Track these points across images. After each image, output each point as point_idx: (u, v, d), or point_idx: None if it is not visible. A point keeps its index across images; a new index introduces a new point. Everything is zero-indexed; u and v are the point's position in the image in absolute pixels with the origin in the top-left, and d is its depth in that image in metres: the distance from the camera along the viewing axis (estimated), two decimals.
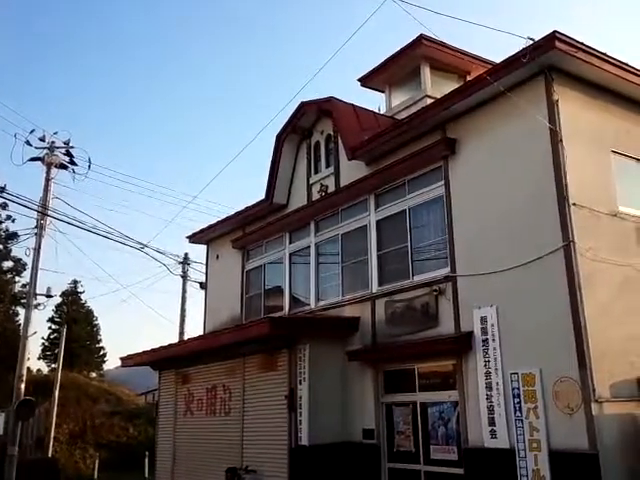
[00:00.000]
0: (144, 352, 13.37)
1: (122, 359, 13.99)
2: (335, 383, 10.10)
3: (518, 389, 7.81)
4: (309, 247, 12.01)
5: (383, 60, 12.70)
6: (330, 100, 11.37)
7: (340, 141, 11.33)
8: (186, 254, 21.67)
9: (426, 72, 12.14)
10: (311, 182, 12.18)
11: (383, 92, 13.33)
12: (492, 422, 8.05)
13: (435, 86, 11.97)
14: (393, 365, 9.73)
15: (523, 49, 7.92)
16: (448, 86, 10.53)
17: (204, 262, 15.86)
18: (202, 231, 15.13)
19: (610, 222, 8.05)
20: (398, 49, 12.35)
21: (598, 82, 8.44)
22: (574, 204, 7.68)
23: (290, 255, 12.58)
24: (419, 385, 9.33)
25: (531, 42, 7.84)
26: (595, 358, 7.17)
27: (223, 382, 11.76)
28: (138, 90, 79.65)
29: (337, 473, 9.63)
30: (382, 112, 12.62)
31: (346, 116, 11.09)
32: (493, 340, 8.20)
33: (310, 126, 12.28)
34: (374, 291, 10.24)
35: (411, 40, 12.06)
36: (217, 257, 15.06)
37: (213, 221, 14.83)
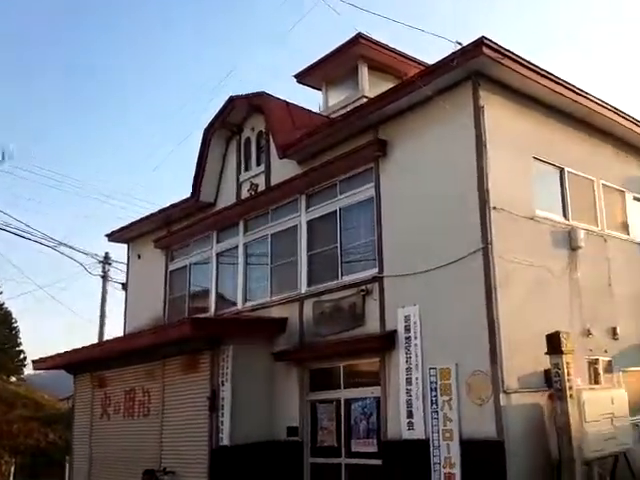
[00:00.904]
0: (58, 355, 13.83)
1: (34, 362, 14.35)
2: (260, 383, 11.11)
3: (435, 383, 9.09)
4: (237, 247, 12.93)
5: (320, 57, 13.62)
6: (262, 95, 12.26)
7: (271, 138, 12.24)
8: (107, 253, 21.97)
9: (364, 72, 13.21)
10: (241, 180, 13.10)
11: (320, 90, 14.39)
12: (410, 415, 9.30)
13: (373, 87, 13.04)
14: (319, 364, 10.87)
15: (452, 54, 8.91)
16: (386, 87, 11.36)
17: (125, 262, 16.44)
18: (122, 229, 15.73)
19: (527, 225, 9.39)
20: (335, 47, 13.29)
21: (523, 90, 9.67)
22: (494, 208, 8.86)
23: (217, 255, 13.47)
24: (344, 382, 10.52)
25: (459, 47, 8.86)
26: (506, 353, 8.45)
27: (142, 384, 12.49)
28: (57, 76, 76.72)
29: (260, 472, 10.60)
30: (320, 111, 13.59)
31: (278, 113, 12.04)
32: (415, 338, 9.43)
33: (240, 122, 13.17)
34: (303, 292, 11.34)
35: (348, 39, 13.05)
36: (138, 257, 15.74)
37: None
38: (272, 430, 11.06)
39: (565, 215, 10.22)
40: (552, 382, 8.32)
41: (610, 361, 10.17)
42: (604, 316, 10.25)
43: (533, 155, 9.89)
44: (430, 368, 9.16)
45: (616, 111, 10.87)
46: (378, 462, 9.67)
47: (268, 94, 12.38)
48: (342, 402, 10.49)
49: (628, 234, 11.48)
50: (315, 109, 13.64)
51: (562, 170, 10.35)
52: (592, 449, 8.37)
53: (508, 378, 8.48)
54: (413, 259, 9.61)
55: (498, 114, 9.35)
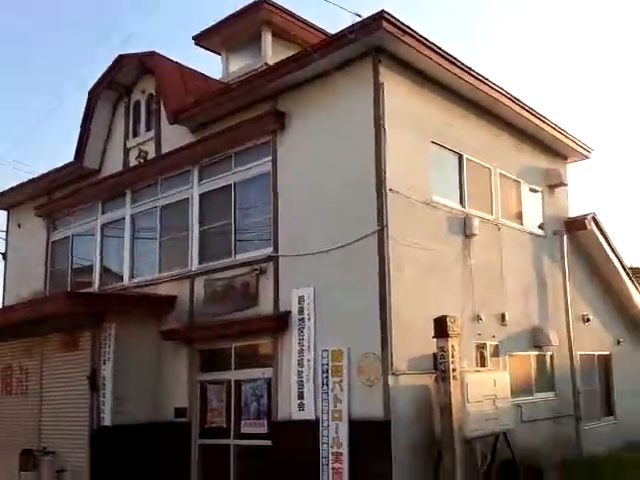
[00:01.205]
0: None
1: None
2: (146, 363, 10.91)
3: (327, 365, 9.26)
4: (124, 219, 12.49)
5: (221, 19, 13.22)
6: (153, 55, 11.82)
7: (162, 102, 11.81)
8: None
9: (267, 39, 12.96)
10: (129, 146, 12.63)
11: (220, 55, 13.97)
12: (301, 396, 9.45)
13: (277, 55, 12.63)
14: (210, 344, 10.79)
15: (350, 26, 8.84)
16: None
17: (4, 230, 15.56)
18: (0, 195, 14.74)
19: (423, 210, 9.64)
20: (237, 10, 12.90)
21: (426, 71, 9.79)
22: (391, 190, 8.99)
23: (102, 227, 12.97)
24: (235, 363, 10.50)
25: (359, 19, 8.77)
26: (397, 336, 8.71)
27: (20, 362, 12.05)
28: None
29: (145, 453, 10.51)
30: (220, 78, 13.18)
31: (170, 75, 11.68)
32: (309, 319, 9.54)
33: (130, 83, 12.66)
34: (194, 269, 11.15)
35: (252, 1, 12.71)
36: (19, 226, 14.95)
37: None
38: (159, 411, 10.95)
39: (462, 202, 10.62)
40: (437, 364, 8.69)
41: (497, 345, 10.80)
42: (494, 302, 10.82)
43: (432, 139, 10.11)
44: (322, 350, 9.32)
45: (517, 102, 11.40)
46: (267, 443, 9.77)
47: (160, 54, 11.95)
48: (232, 383, 10.49)
49: (522, 224, 12.14)
50: (217, 77, 13.26)
51: (461, 157, 10.72)
52: (473, 428, 8.86)
53: (398, 360, 8.77)
54: (309, 239, 9.67)
55: (398, 94, 9.43)
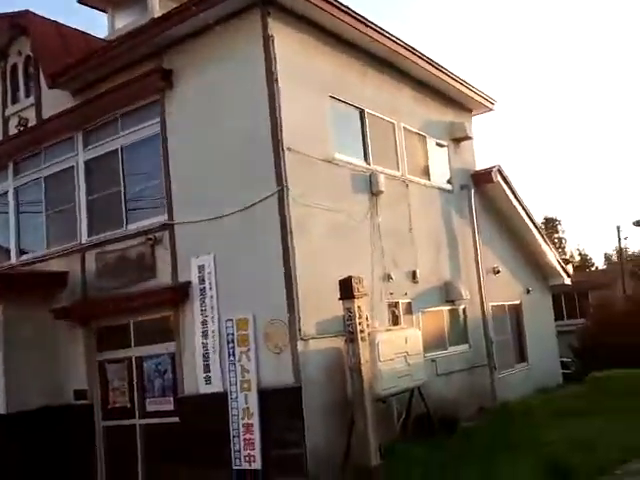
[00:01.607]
0: None
1: None
2: (39, 345, 9.98)
3: (233, 334, 8.67)
4: (7, 193, 11.31)
5: None
6: (26, 14, 10.66)
7: (40, 65, 10.70)
8: None
9: None
10: (7, 114, 11.44)
11: (106, 12, 12.77)
12: (207, 369, 8.85)
13: (166, 10, 11.77)
14: (107, 321, 9.95)
15: None
16: None
17: None
18: None
19: (325, 168, 9.11)
20: None
21: (319, 23, 9.23)
22: (289, 149, 8.43)
23: None
24: (135, 340, 9.74)
25: None
26: (303, 299, 8.23)
27: None
28: None
29: (46, 438, 9.69)
30: (105, 37, 12.07)
31: (46, 35, 10.61)
32: (210, 289, 8.90)
33: (5, 46, 11.37)
34: (83, 242, 10.23)
35: None
36: None
37: None
38: (58, 394, 10.08)
39: (366, 159, 10.11)
40: (345, 326, 8.26)
41: (410, 303, 10.51)
42: (405, 260, 10.47)
43: (330, 94, 9.51)
44: (227, 320, 8.71)
45: (416, 53, 10.93)
46: (175, 420, 9.12)
47: (34, 13, 10.77)
48: (134, 361, 9.74)
49: (429, 179, 11.80)
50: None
51: (362, 112, 10.17)
52: (386, 386, 8.64)
53: (306, 325, 8.30)
54: (206, 204, 8.97)
55: (291, 47, 8.84)
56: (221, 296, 8.78)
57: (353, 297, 8.13)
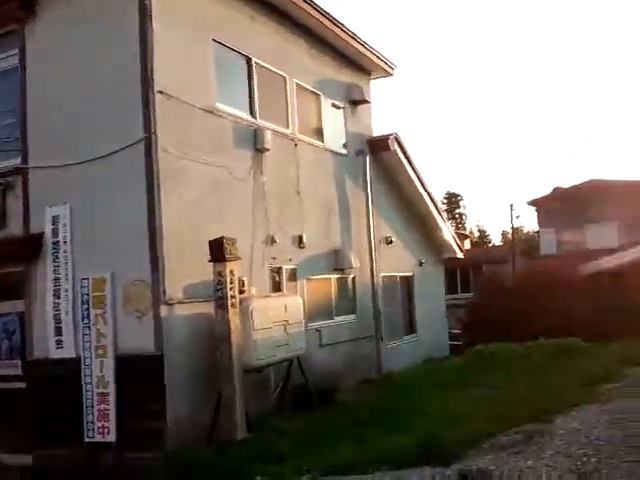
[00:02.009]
0: None
1: None
2: None
3: (88, 295, 7.71)
4: None
5: None
6: None
7: None
8: None
9: None
10: None
11: None
12: (59, 332, 7.92)
13: None
14: None
15: None
16: None
17: None
18: None
19: (205, 118, 8.23)
20: None
21: None
22: (161, 92, 7.50)
23: None
24: None
25: None
26: (170, 260, 7.40)
27: None
28: None
29: None
30: None
31: None
32: (65, 242, 7.89)
33: None
34: None
35: None
36: None
37: None
38: None
39: (252, 112, 9.23)
40: (215, 291, 7.50)
41: (295, 269, 9.81)
42: (291, 224, 9.75)
43: (214, 37, 8.56)
44: (82, 278, 7.73)
45: (309, 3, 10.03)
46: (22, 385, 8.10)
47: None
48: None
49: (322, 141, 11.03)
50: None
51: (249, 60, 9.26)
52: (261, 356, 8.00)
53: (173, 288, 7.46)
54: (65, 148, 7.91)
55: None
56: (77, 252, 7.80)
57: (225, 260, 7.39)
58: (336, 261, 10.80)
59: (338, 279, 11.00)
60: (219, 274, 7.40)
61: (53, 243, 7.89)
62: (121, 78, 7.60)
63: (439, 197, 63.88)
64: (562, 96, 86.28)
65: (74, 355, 7.69)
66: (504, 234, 57.09)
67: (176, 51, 7.86)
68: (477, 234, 57.74)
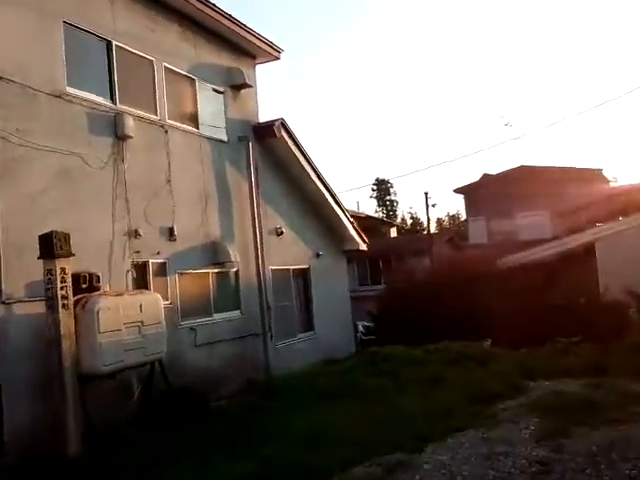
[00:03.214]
0: None
1: None
2: None
3: None
4: None
5: None
6: None
7: None
8: None
9: None
10: None
11: None
12: None
13: None
14: None
15: None
16: None
17: None
18: None
19: (53, 104, 8.19)
20: None
21: None
22: (0, 78, 7.46)
23: None
24: None
25: None
26: (9, 256, 7.32)
27: None
28: None
29: None
30: None
31: None
32: None
33: None
34: None
35: None
36: None
37: None
38: None
39: (112, 98, 9.20)
40: (45, 290, 7.39)
41: (164, 263, 9.79)
42: (159, 215, 9.74)
43: (65, 20, 8.51)
44: None
45: None
46: None
47: None
48: None
49: (197, 127, 11.00)
50: None
51: (109, 44, 9.23)
52: (109, 361, 7.79)
53: (11, 286, 7.37)
54: None
55: None
56: None
57: (54, 257, 7.24)
58: (214, 254, 10.78)
59: (217, 274, 10.99)
60: (49, 272, 7.29)
61: None
62: None
63: (368, 183, 64.96)
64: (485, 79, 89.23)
65: None
66: (439, 221, 58.52)
67: (16, 34, 7.81)
68: (410, 221, 58.56)
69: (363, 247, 15.51)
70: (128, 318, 8.15)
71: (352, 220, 15.04)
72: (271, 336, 12.01)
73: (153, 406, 8.67)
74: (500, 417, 7.48)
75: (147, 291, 9.10)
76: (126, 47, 9.42)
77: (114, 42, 9.21)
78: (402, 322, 14.65)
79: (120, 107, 9.20)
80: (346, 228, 14.98)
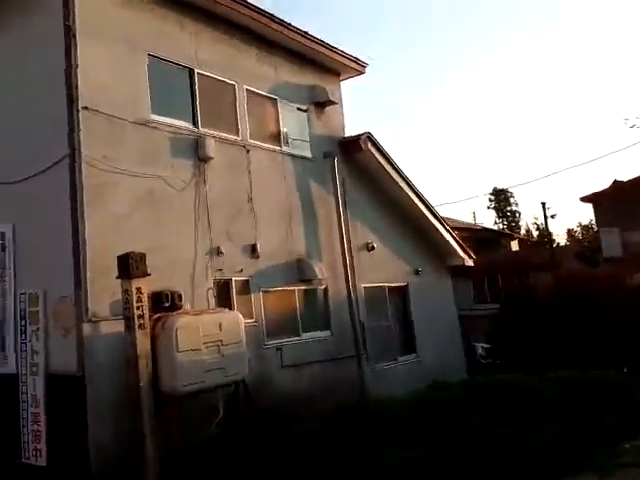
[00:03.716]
0: None
1: None
2: None
3: (25, 310, 8.46)
4: None
5: None
6: None
7: None
8: None
9: None
10: None
11: None
12: (3, 346, 8.65)
13: None
14: None
15: None
16: None
17: None
18: None
19: (137, 130, 8.84)
20: None
21: None
22: (86, 108, 8.18)
23: None
24: None
25: None
26: (95, 276, 7.91)
27: None
28: None
29: None
30: None
31: None
32: (9, 257, 8.73)
33: None
34: None
35: None
36: None
37: None
38: None
39: (194, 122, 9.78)
40: (123, 310, 7.82)
41: (247, 281, 10.12)
42: (242, 233, 10.14)
43: (149, 51, 9.24)
44: (20, 293, 8.53)
45: (258, 10, 10.57)
46: None
47: None
48: None
49: (280, 145, 11.34)
50: None
51: (191, 71, 9.87)
52: (188, 381, 7.92)
53: (97, 305, 7.97)
54: (7, 166, 8.76)
55: (97, 3, 8.60)
56: (19, 267, 8.62)
57: (130, 277, 7.64)
58: (300, 271, 10.92)
59: (305, 291, 11.11)
60: (126, 292, 7.68)
61: (0, 260, 8.73)
62: (49, 97, 8.39)
63: (485, 194, 61.11)
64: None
65: (14, 371, 8.33)
66: (569, 232, 53.82)
67: (104, 66, 8.58)
68: (536, 233, 54.64)
69: (469, 262, 14.97)
70: (207, 337, 8.27)
71: (454, 233, 14.61)
72: (366, 358, 11.83)
73: (236, 429, 8.72)
74: (623, 460, 6.83)
75: (227, 309, 9.28)
76: (207, 73, 10.06)
77: (196, 70, 9.88)
78: (521, 345, 13.69)
79: (202, 130, 9.78)
80: (448, 242, 14.54)
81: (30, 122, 8.54)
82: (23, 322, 8.41)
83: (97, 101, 8.31)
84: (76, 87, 8.13)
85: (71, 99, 8.11)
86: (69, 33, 8.17)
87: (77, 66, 8.15)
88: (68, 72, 8.15)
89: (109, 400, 7.79)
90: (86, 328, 7.79)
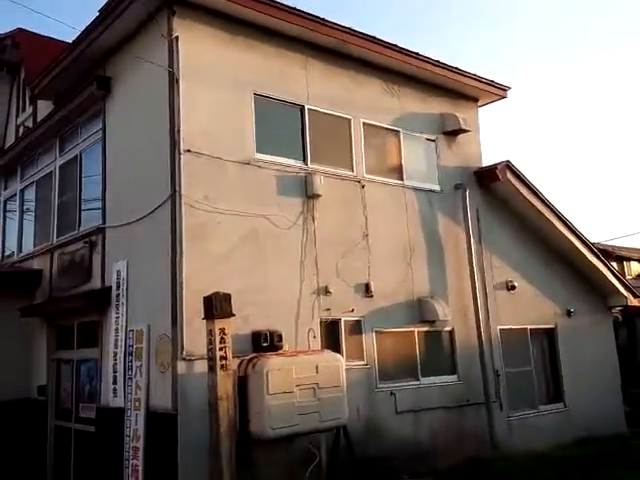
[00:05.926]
0: None
1: None
2: (12, 339, 9.88)
3: (132, 347, 7.87)
4: (16, 194, 11.70)
5: None
6: (18, 31, 10.93)
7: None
8: None
9: None
10: (18, 122, 11.85)
11: None
12: (115, 380, 8.14)
13: None
14: (62, 320, 9.70)
15: None
16: None
17: None
18: None
19: (241, 170, 7.87)
20: None
21: (239, 16, 8.05)
22: (188, 151, 7.42)
23: (5, 202, 12.19)
24: (77, 342, 9.38)
25: None
26: (193, 315, 7.03)
27: None
28: None
29: (12, 430, 9.58)
30: None
31: (33, 49, 10.72)
32: (123, 295, 8.19)
33: (18, 61, 11.70)
34: (54, 242, 10.11)
35: None
36: None
37: None
38: (26, 387, 9.96)
39: (304, 159, 8.49)
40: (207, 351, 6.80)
41: (359, 321, 8.59)
42: (354, 271, 8.62)
43: (255, 91, 8.16)
44: (129, 330, 7.92)
45: (374, 40, 9.00)
46: (93, 429, 8.54)
47: (26, 30, 10.95)
48: (74, 363, 9.37)
49: (401, 179, 9.53)
50: None
51: (302, 108, 8.58)
52: (278, 425, 6.83)
53: (193, 343, 7.08)
54: (126, 209, 8.25)
55: (200, 46, 7.83)
56: (130, 304, 8.02)
57: (213, 317, 6.64)
58: (421, 311, 9.06)
59: (426, 332, 9.20)
60: (209, 332, 6.71)
61: (116, 296, 8.25)
62: (157, 142, 7.73)
63: None
64: None
65: (122, 405, 7.80)
66: None
67: (207, 108, 7.72)
68: None
69: (634, 302, 11.63)
70: (301, 380, 7.10)
71: (615, 270, 11.42)
72: (500, 406, 9.61)
73: (334, 477, 7.42)
74: None
75: (327, 351, 7.87)
76: (319, 109, 8.70)
77: (307, 106, 8.58)
78: None
79: (311, 167, 8.46)
80: (607, 279, 11.45)
81: (145, 168, 7.96)
82: (130, 358, 7.80)
83: (199, 143, 7.48)
84: (178, 131, 7.35)
85: (173, 143, 7.36)
86: (172, 79, 7.44)
87: (179, 110, 7.37)
88: (171, 116, 7.43)
89: (198, 440, 6.83)
90: (181, 366, 6.97)
